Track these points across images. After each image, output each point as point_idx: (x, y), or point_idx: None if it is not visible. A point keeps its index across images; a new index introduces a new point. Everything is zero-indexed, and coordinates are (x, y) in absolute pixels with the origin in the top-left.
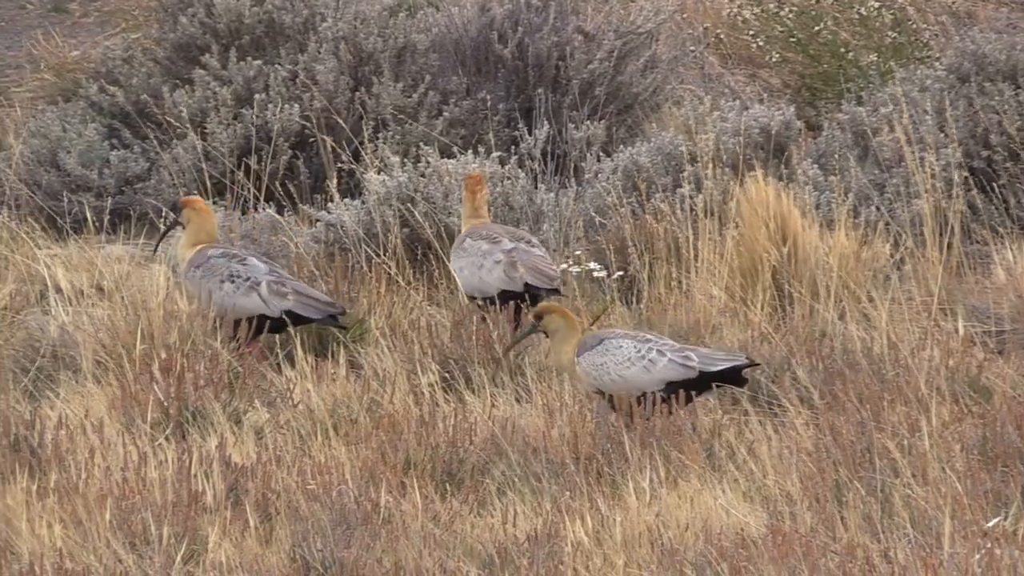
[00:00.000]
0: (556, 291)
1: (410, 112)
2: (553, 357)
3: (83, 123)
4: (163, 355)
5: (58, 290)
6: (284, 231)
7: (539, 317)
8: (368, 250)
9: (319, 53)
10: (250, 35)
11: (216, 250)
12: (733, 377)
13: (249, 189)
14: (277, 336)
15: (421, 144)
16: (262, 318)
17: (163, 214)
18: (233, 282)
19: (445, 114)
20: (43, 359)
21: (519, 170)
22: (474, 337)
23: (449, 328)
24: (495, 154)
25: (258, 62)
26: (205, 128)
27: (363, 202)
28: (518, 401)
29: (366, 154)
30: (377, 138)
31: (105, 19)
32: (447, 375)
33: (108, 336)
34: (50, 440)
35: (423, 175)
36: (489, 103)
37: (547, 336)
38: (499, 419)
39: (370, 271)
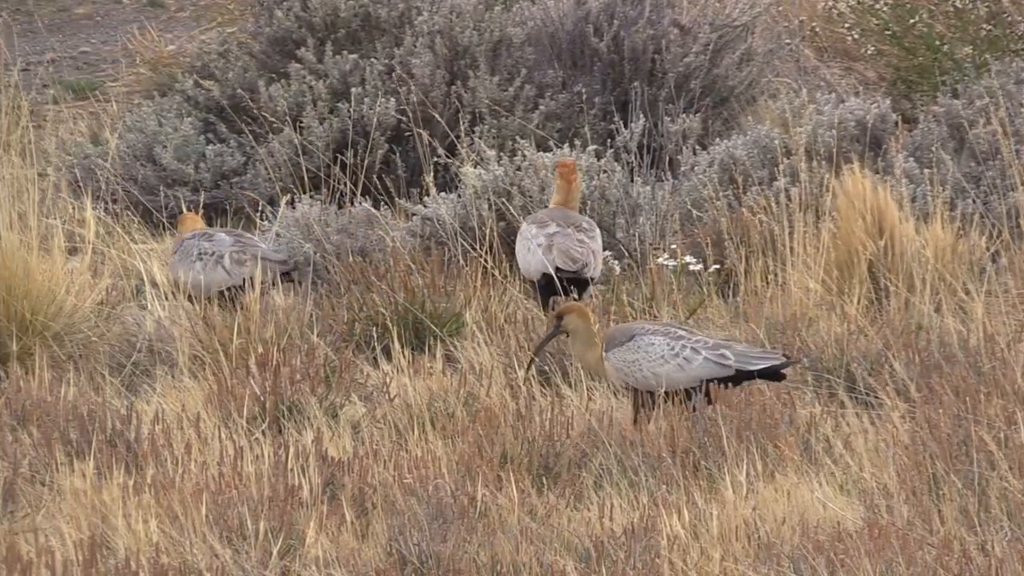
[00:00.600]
0: (577, 274)
1: (506, 106)
2: (578, 357)
3: (179, 118)
4: (259, 349)
5: (154, 285)
6: (380, 225)
7: (560, 317)
8: (464, 244)
9: (415, 47)
10: (346, 29)
11: (192, 234)
12: (770, 375)
13: (345, 183)
14: (374, 329)
15: (517, 138)
16: (232, 289)
17: (259, 208)
18: (202, 259)
19: (541, 107)
20: (139, 354)
21: (615, 163)
22: None
23: (545, 321)
24: (591, 147)
25: (354, 56)
26: (301, 122)
27: (459, 196)
28: (615, 394)
29: (462, 148)
30: (473, 132)
31: (201, 13)
32: (544, 368)
33: (204, 331)
34: (146, 435)
35: (519, 168)
36: (585, 96)
37: (567, 336)
38: (596, 412)
39: (466, 265)
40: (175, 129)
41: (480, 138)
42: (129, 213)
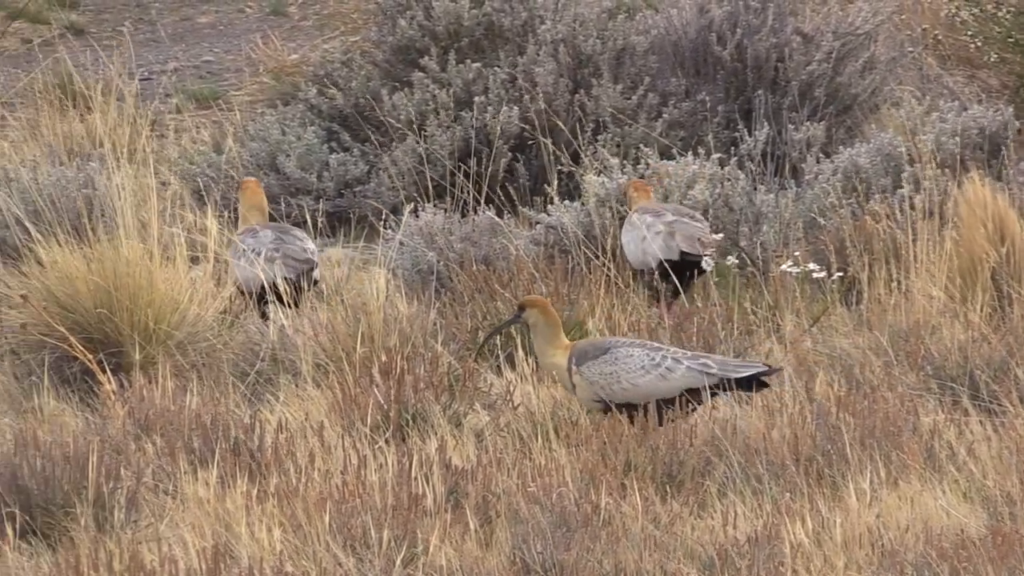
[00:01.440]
0: (698, 259)
1: (629, 114)
2: (538, 352)
3: (302, 126)
4: (383, 358)
5: (276, 294)
6: (504, 234)
7: (522, 308)
8: (587, 252)
9: (538, 55)
10: (469, 37)
11: (244, 230)
12: (751, 384)
13: (469, 192)
14: (498, 338)
15: (641, 146)
16: (267, 287)
17: (383, 217)
18: (246, 256)
19: (664, 116)
20: (262, 363)
21: (739, 171)
22: (695, 338)
23: (669, 329)
24: (715, 155)
25: (477, 64)
26: (424, 131)
27: (583, 204)
28: (738, 403)
29: (585, 156)
30: (596, 140)
31: (324, 22)
32: None
33: (328, 339)
34: (270, 444)
35: (642, 177)
36: (708, 105)
37: (528, 329)
38: (719, 420)
39: (589, 273)
40: (298, 138)
41: (603, 146)
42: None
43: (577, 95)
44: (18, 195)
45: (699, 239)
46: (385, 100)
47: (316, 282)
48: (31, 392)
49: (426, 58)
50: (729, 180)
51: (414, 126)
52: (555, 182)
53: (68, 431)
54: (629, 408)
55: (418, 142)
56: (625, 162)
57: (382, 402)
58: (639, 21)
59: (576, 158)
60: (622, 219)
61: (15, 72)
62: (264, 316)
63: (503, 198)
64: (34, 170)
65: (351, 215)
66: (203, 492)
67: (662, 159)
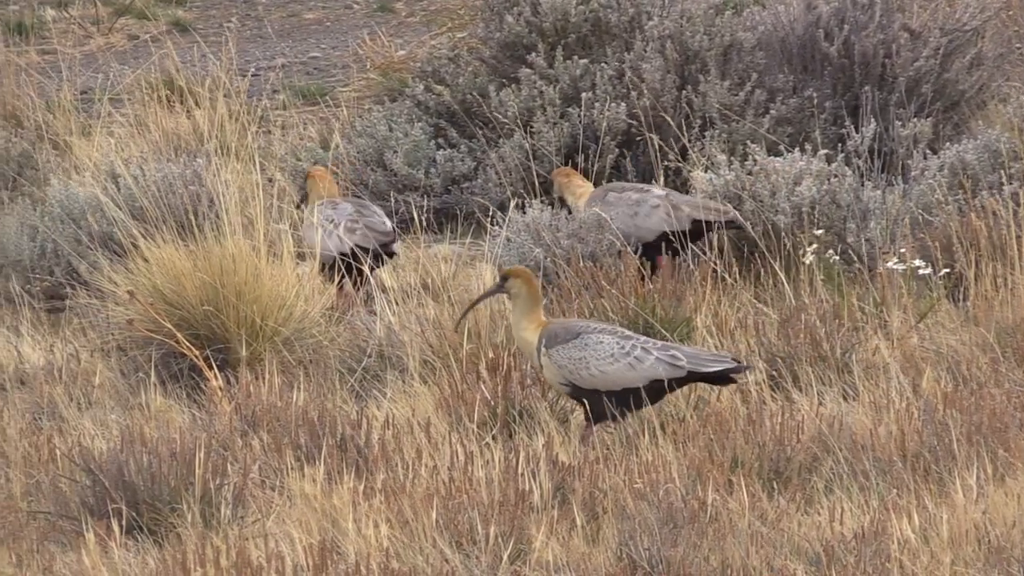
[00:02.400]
0: (733, 222)
1: (736, 110)
2: (514, 325)
3: (409, 122)
4: (490, 354)
5: (384, 290)
6: (610, 230)
7: (505, 278)
8: (694, 248)
9: (645, 52)
10: (576, 34)
11: (322, 201)
12: (720, 378)
13: None
14: None
15: (748, 142)
16: (346, 256)
17: (490, 213)
18: (323, 226)
19: (772, 112)
20: (369, 359)
21: (846, 168)
22: (801, 335)
23: (776, 326)
24: (821, 152)
25: (584, 60)
26: (531, 127)
27: None
28: (845, 399)
29: (693, 152)
30: (704, 136)
31: (431, 18)
32: (774, 373)
33: (435, 335)
34: (377, 440)
35: (750, 173)
36: (815, 101)
37: (509, 299)
38: (826, 417)
39: (697, 269)
40: (405, 134)
41: (711, 142)
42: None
43: (684, 91)
44: (124, 192)
45: (712, 206)
46: (492, 96)
47: (393, 255)
48: (138, 388)
49: (533, 54)
50: (836, 177)
51: (521, 122)
52: (662, 178)
53: (175, 427)
54: (595, 395)
55: (525, 138)
56: (732, 158)
57: (489, 398)
58: (746, 17)
59: (683, 154)
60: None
61: (122, 68)
62: (340, 288)
63: None
64: (140, 167)
65: (458, 211)
66: (310, 488)
67: (769, 155)
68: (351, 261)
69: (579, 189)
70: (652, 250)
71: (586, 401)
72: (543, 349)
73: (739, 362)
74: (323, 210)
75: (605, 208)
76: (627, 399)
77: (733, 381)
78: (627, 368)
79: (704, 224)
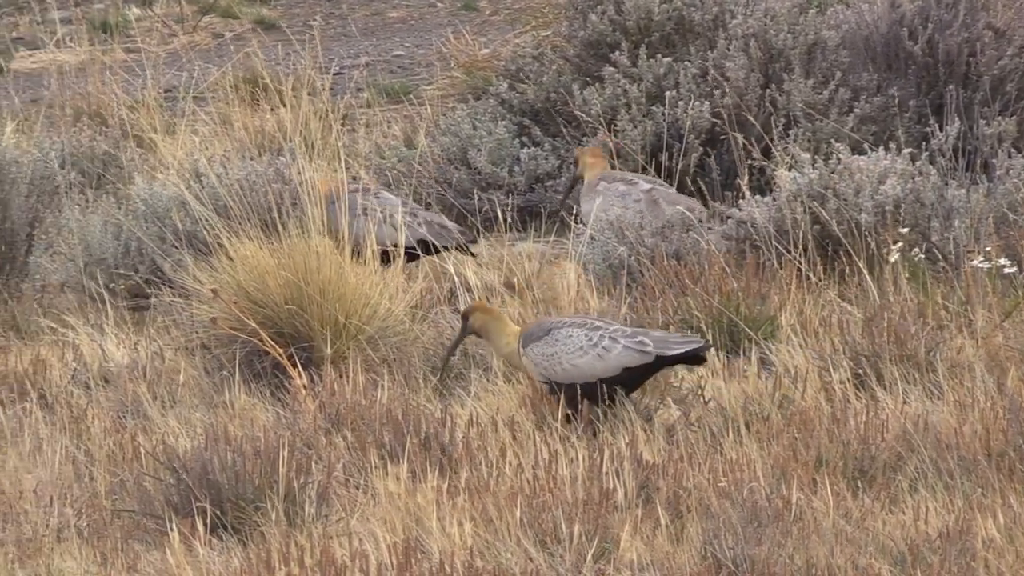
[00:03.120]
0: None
1: (820, 109)
2: (497, 353)
3: (493, 121)
4: None
5: (467, 288)
6: (695, 228)
7: (465, 318)
8: (779, 247)
9: (729, 50)
10: (660, 32)
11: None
12: (690, 359)
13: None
14: (689, 332)
15: (832, 141)
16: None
17: (573, 211)
18: (367, 214)
19: (856, 111)
20: (453, 357)
21: (930, 166)
22: (886, 333)
23: (860, 324)
24: (906, 151)
25: (668, 59)
26: (615, 125)
27: (774, 199)
28: (929, 397)
29: (776, 151)
30: (787, 135)
31: (515, 17)
32: (859, 372)
33: None
34: (461, 438)
35: (834, 172)
36: (899, 100)
37: (479, 336)
38: (911, 415)
39: (781, 268)
40: (489, 132)
41: (794, 141)
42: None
43: (768, 89)
44: (208, 190)
45: (689, 204)
46: (576, 95)
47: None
48: (222, 387)
49: (617, 53)
50: (920, 175)
51: (605, 120)
52: (746, 177)
53: (259, 425)
54: (572, 388)
55: (609, 136)
56: (816, 157)
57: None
58: (830, 16)
59: (767, 153)
60: (813, 215)
61: (206, 67)
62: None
63: (695, 192)
64: (224, 165)
65: (542, 209)
66: (394, 486)
67: (853, 154)
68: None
69: (593, 169)
70: None
71: (563, 395)
72: (522, 350)
73: (706, 341)
74: (368, 199)
75: (594, 197)
76: (602, 389)
77: (703, 361)
78: (596, 359)
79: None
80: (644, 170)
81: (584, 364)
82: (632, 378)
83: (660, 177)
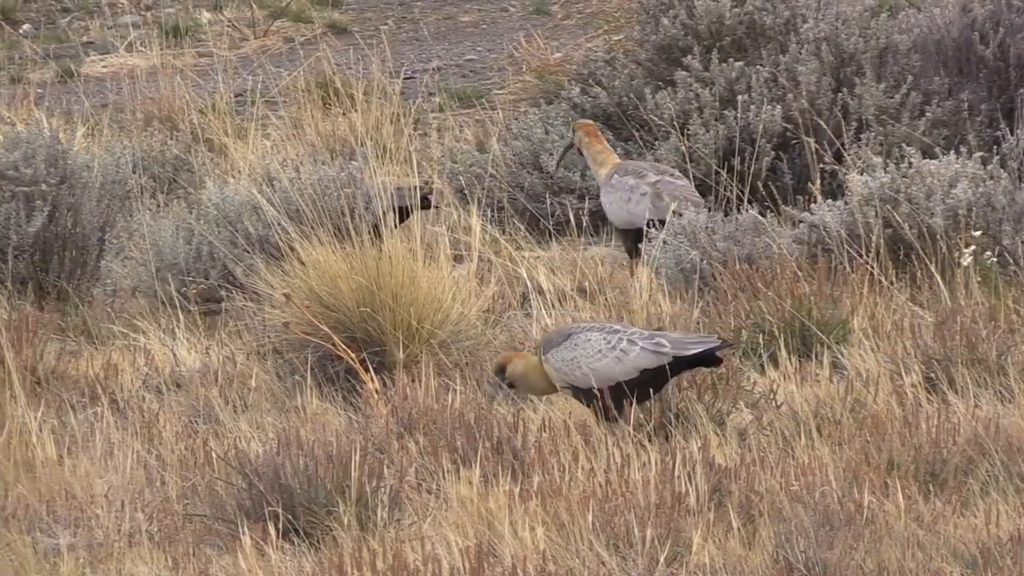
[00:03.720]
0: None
1: (892, 113)
2: (535, 393)
3: (565, 125)
4: None
5: (540, 292)
6: (767, 232)
7: (501, 370)
8: (851, 251)
9: (800, 54)
10: (731, 36)
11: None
12: (707, 360)
13: (732, 190)
14: (761, 336)
15: (903, 145)
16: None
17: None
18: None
19: (927, 115)
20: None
21: (1001, 170)
22: (957, 337)
23: (932, 328)
24: (977, 154)
25: (740, 63)
26: (688, 129)
27: (846, 203)
28: (1001, 401)
29: (848, 155)
30: (859, 139)
31: (587, 21)
32: (931, 375)
33: None
34: (533, 442)
35: (905, 176)
36: (970, 104)
37: (512, 387)
38: (982, 419)
39: (852, 272)
40: (561, 136)
41: (866, 145)
42: (515, 220)
43: (840, 94)
44: (280, 194)
45: (690, 199)
46: (648, 99)
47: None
48: (294, 391)
49: (689, 57)
50: (992, 179)
51: (677, 125)
52: (818, 181)
53: (331, 430)
54: (591, 393)
55: (681, 141)
56: (888, 161)
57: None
58: (901, 20)
59: (839, 157)
60: (885, 219)
61: (277, 71)
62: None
63: (766, 196)
64: (296, 169)
65: None
66: (466, 491)
67: (924, 158)
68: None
69: (600, 156)
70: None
71: (583, 399)
72: (543, 356)
73: (724, 341)
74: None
75: (608, 191)
76: (624, 392)
77: (719, 362)
78: (615, 362)
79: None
80: (716, 175)
81: (603, 367)
82: (652, 380)
83: (733, 182)
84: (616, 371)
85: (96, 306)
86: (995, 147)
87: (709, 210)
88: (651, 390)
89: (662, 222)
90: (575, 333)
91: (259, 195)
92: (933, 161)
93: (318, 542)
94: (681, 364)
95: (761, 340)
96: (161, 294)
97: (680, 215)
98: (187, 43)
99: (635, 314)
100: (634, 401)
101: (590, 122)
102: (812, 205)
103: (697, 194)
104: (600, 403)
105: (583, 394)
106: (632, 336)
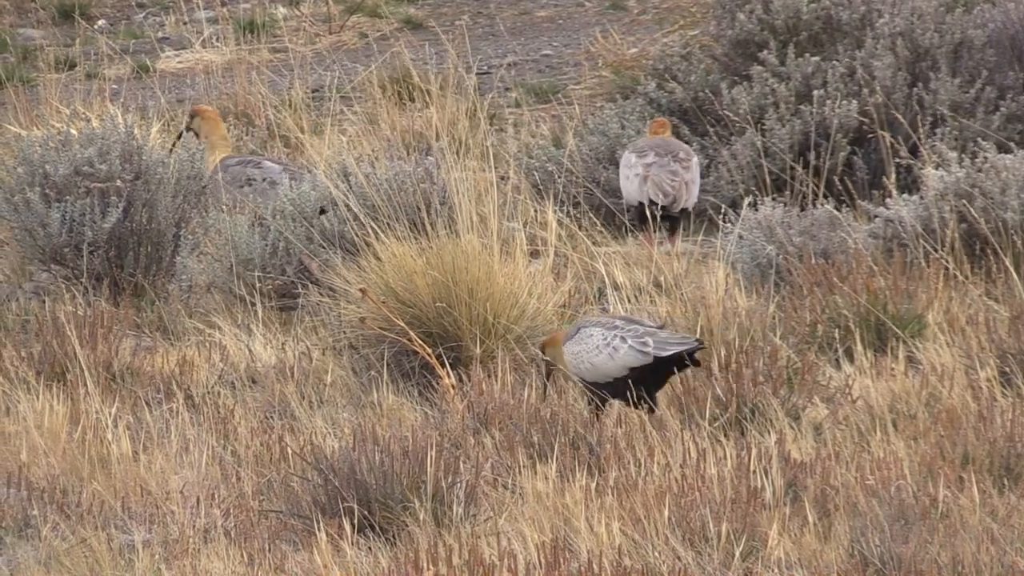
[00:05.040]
0: (667, 209)
1: (967, 108)
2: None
3: (641, 120)
4: (722, 351)
5: (616, 287)
6: (842, 227)
7: (542, 351)
8: (926, 245)
9: (876, 49)
10: (808, 31)
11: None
12: (687, 360)
13: (807, 185)
14: (836, 331)
15: (978, 139)
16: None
17: (722, 210)
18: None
19: (1002, 109)
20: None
21: None
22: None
23: (1007, 322)
24: None
25: (816, 58)
26: (763, 124)
27: (921, 198)
28: None
29: (924, 149)
30: (934, 133)
31: (663, 16)
32: (1005, 370)
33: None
34: (609, 438)
35: (980, 170)
36: None
37: (552, 368)
38: None
39: (928, 266)
40: (638, 132)
41: (941, 140)
42: (591, 215)
43: (915, 88)
44: (356, 189)
45: (663, 189)
46: (724, 94)
47: None
48: (370, 387)
49: (765, 52)
50: None
51: (753, 119)
52: (893, 175)
53: (407, 425)
54: (595, 387)
55: (757, 135)
56: (963, 155)
57: (721, 395)
58: (976, 15)
59: (914, 152)
60: (960, 214)
61: (353, 66)
62: None
63: (842, 191)
64: (372, 164)
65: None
66: (542, 486)
67: (999, 153)
68: None
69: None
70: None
71: (587, 391)
72: (563, 349)
73: (699, 341)
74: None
75: (621, 168)
76: (619, 389)
77: (696, 363)
78: (607, 359)
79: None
80: (792, 170)
81: (599, 363)
82: (643, 378)
83: (808, 176)
84: (609, 367)
85: (171, 302)
86: None
87: (679, 207)
88: (655, 385)
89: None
90: (584, 327)
91: (335, 191)
92: (1008, 156)
93: (394, 538)
94: (662, 363)
95: (837, 335)
96: (236, 290)
97: None
98: (263, 39)
99: (711, 309)
100: (640, 399)
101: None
102: (887, 200)
103: (674, 184)
104: (594, 396)
105: (587, 387)
106: (626, 333)
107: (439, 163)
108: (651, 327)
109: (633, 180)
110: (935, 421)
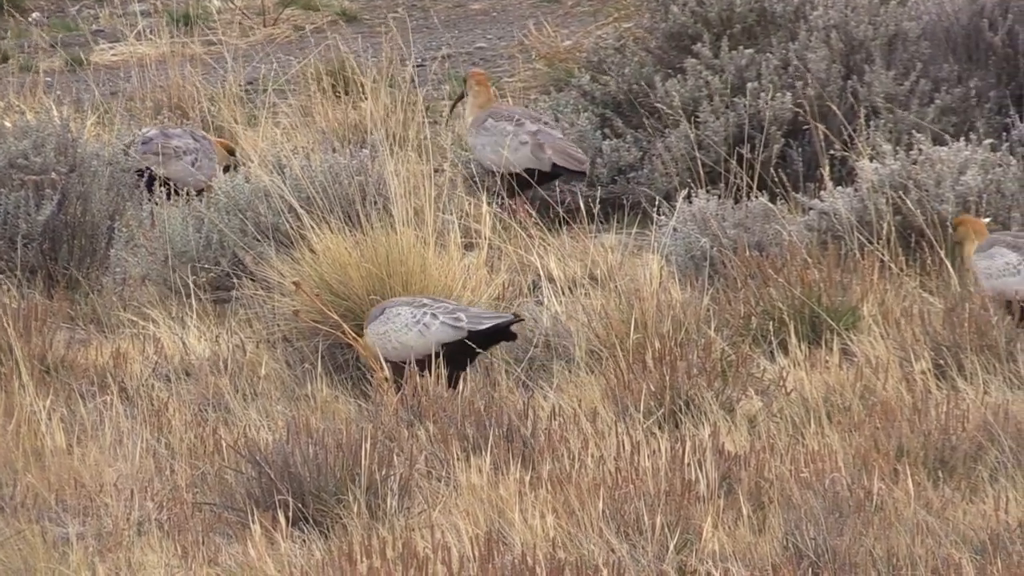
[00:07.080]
0: (583, 174)
1: (901, 100)
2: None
3: (575, 113)
4: (656, 344)
5: (551, 280)
6: (777, 219)
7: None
8: (861, 237)
9: (810, 41)
10: (741, 24)
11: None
12: (503, 334)
13: (742, 177)
14: (771, 323)
15: (913, 132)
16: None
17: (656, 203)
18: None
19: (936, 102)
20: (536, 349)
21: (1010, 157)
22: (967, 324)
23: (942, 315)
24: (986, 141)
25: (750, 51)
26: (698, 117)
27: (856, 190)
28: (1010, 388)
29: (858, 142)
30: (869, 126)
31: (597, 9)
32: (940, 362)
33: (601, 326)
34: (543, 430)
35: (915, 163)
36: (979, 91)
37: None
38: (991, 405)
39: (862, 259)
40: (571, 124)
41: (876, 132)
42: (525, 208)
43: (849, 81)
44: (290, 182)
45: (571, 154)
46: (658, 86)
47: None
48: (304, 379)
49: (699, 44)
50: (1001, 166)
51: (687, 112)
52: (828, 168)
53: (341, 418)
54: (403, 367)
55: (691, 128)
56: (898, 148)
57: (655, 388)
58: (911, 7)
59: (849, 144)
60: (895, 206)
61: (287, 59)
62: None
63: (776, 183)
64: (306, 157)
65: (624, 201)
66: (476, 479)
67: (934, 145)
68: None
69: (478, 99)
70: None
71: (392, 371)
72: (365, 330)
73: (516, 315)
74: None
75: (481, 134)
76: (430, 366)
77: (513, 336)
78: (418, 336)
79: (560, 169)
80: (726, 162)
81: (409, 341)
82: (455, 354)
83: (743, 169)
84: (420, 344)
85: (105, 295)
86: (1004, 134)
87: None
88: (461, 363)
89: (544, 174)
90: (389, 307)
91: (270, 183)
92: (943, 148)
93: (328, 530)
94: (479, 338)
95: (771, 327)
96: (171, 282)
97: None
98: (196, 31)
99: (645, 301)
100: (448, 373)
101: (482, 71)
102: (822, 192)
103: (580, 152)
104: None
105: (394, 367)
106: (436, 310)
107: (374, 155)
108: (451, 304)
109: (520, 148)
110: (870, 413)
